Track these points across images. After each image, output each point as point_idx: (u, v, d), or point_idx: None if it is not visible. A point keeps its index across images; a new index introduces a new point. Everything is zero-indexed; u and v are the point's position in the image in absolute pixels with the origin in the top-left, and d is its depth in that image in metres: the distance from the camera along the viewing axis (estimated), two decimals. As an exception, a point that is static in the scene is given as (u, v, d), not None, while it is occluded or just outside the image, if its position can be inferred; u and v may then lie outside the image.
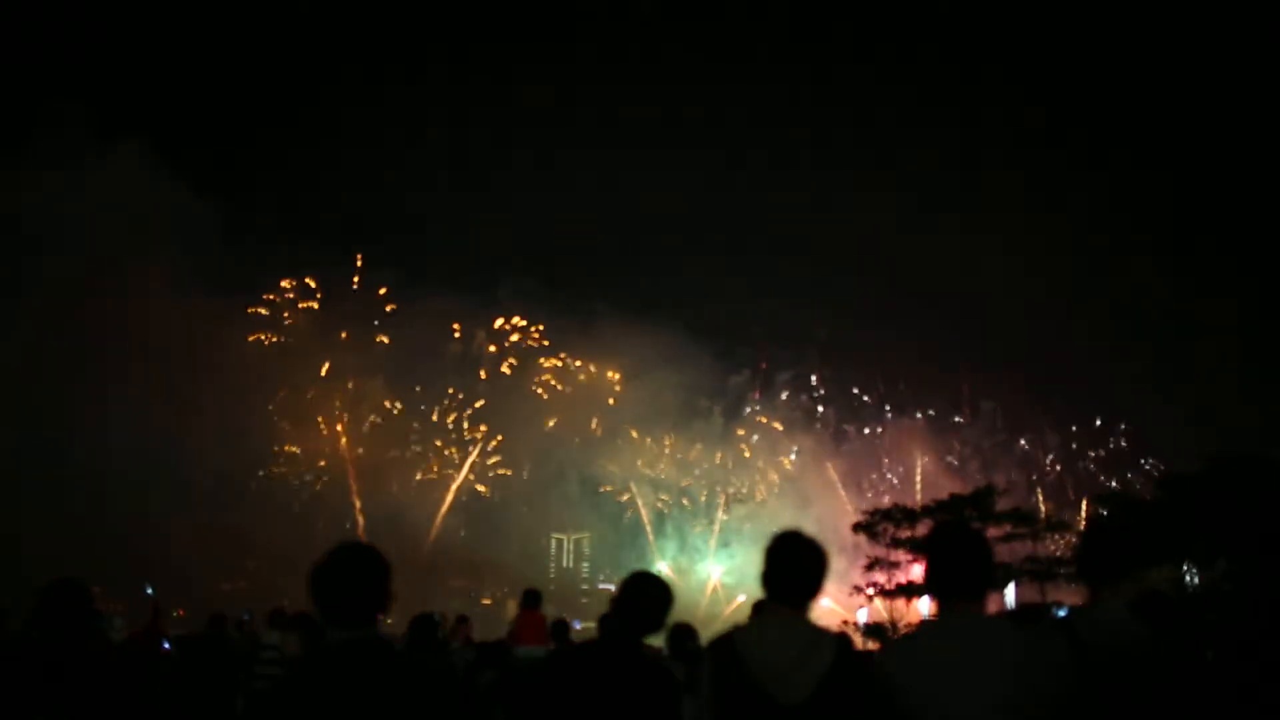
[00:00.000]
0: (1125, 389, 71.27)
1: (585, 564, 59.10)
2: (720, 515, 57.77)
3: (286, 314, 55.31)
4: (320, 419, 55.20)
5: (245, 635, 13.27)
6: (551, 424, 57.92)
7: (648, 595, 3.60)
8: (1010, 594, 34.65)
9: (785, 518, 48.15)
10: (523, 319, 58.42)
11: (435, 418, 57.19)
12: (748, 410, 62.49)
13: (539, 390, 58.61)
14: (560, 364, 58.92)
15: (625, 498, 58.68)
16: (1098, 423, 64.97)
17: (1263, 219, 74.91)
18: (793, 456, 60.90)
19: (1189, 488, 23.29)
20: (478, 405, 57.59)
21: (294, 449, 55.01)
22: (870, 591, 32.02)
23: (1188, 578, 24.12)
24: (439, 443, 57.17)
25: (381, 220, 77.82)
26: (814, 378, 64.84)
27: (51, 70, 60.73)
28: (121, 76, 66.95)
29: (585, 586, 56.69)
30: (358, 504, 53.94)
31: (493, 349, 58.51)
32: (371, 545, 3.04)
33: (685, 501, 58.25)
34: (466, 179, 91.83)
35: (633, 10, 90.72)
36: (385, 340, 55.78)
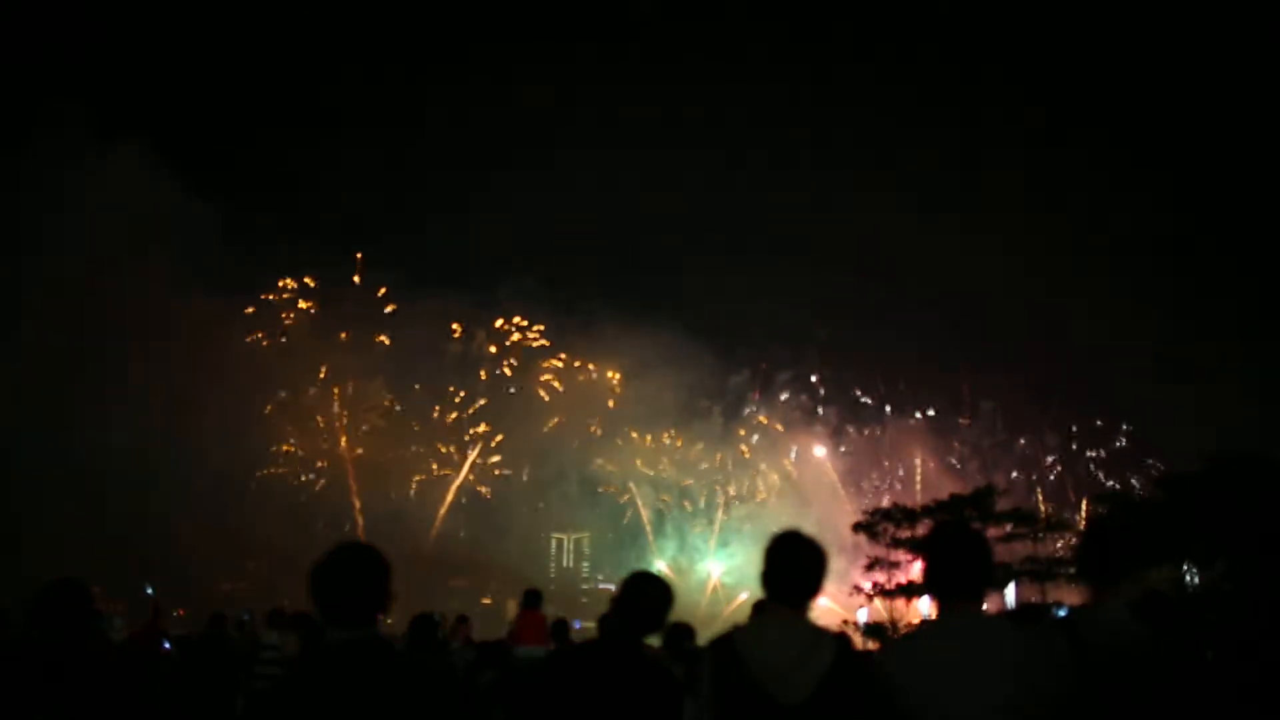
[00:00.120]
0: (1125, 389, 71.30)
1: (585, 564, 59.11)
2: (719, 516, 57.80)
3: (284, 315, 55.36)
4: (319, 419, 55.25)
5: (245, 635, 13.29)
6: (552, 424, 57.97)
7: (648, 595, 3.60)
8: (1010, 594, 34.66)
9: (785, 518, 48.17)
10: (523, 319, 58.48)
11: (436, 413, 57.24)
12: (747, 411, 62.55)
13: (539, 391, 58.67)
14: (560, 365, 58.98)
15: (625, 498, 58.74)
16: (1098, 423, 65.02)
17: (1263, 219, 74.91)
18: (792, 457, 60.94)
19: (1189, 488, 23.27)
20: (479, 404, 57.66)
21: (294, 449, 55.06)
22: (870, 590, 32.01)
23: (1188, 578, 24.12)
24: (437, 442, 57.23)
25: (381, 220, 77.88)
26: (814, 378, 64.90)
27: (51, 70, 60.75)
28: (121, 77, 66.96)
29: (585, 586, 56.68)
30: (357, 504, 53.98)
31: (493, 349, 58.57)
32: (371, 545, 3.04)
33: (686, 504, 58.28)
34: (466, 179, 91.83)
35: (633, 10, 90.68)
36: (385, 340, 55.83)
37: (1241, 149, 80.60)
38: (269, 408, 54.19)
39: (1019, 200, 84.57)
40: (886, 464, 62.24)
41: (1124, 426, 64.21)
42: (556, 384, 58.93)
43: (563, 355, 58.89)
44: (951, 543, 3.23)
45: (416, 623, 8.75)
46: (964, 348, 67.85)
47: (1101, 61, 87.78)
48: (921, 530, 29.14)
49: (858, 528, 32.32)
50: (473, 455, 57.04)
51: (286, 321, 55.35)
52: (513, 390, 58.36)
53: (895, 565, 31.35)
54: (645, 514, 58.35)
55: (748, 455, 60.19)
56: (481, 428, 57.47)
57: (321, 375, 55.22)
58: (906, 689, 2.97)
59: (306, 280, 55.32)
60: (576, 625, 18.36)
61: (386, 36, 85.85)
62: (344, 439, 55.27)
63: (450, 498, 56.29)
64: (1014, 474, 60.36)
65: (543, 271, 61.69)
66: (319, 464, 55.01)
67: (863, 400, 65.46)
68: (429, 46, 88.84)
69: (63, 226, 43.42)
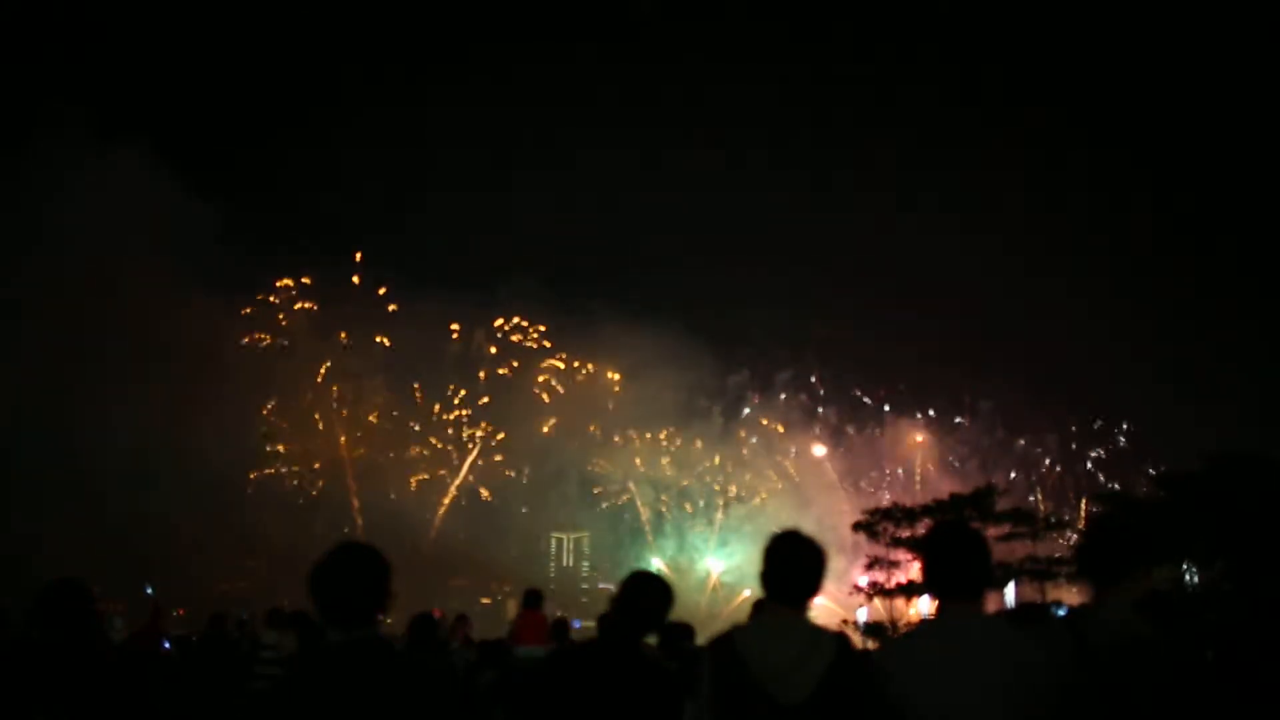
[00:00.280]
0: (1125, 389, 71.35)
1: (585, 564, 59.09)
2: (719, 516, 57.77)
3: (282, 317, 55.34)
4: (318, 417, 55.24)
5: (245, 635, 13.29)
6: (551, 424, 57.96)
7: (648, 595, 3.61)
8: (1010, 594, 34.65)
9: (785, 517, 48.16)
10: (523, 319, 58.45)
11: (436, 410, 57.22)
12: (746, 411, 62.54)
13: (539, 392, 58.65)
14: (561, 366, 58.96)
15: (625, 499, 58.72)
16: (1098, 423, 65.03)
17: (1263, 218, 74.93)
18: (792, 456, 60.93)
19: (1189, 488, 23.26)
20: (480, 403, 57.65)
21: (294, 449, 55.05)
22: (869, 589, 31.99)
23: (1188, 578, 24.11)
24: (436, 441, 57.20)
25: (382, 220, 77.92)
26: (814, 378, 64.90)
27: (51, 71, 60.73)
28: (122, 77, 66.97)
29: (585, 586, 56.67)
30: (356, 504, 53.97)
31: (493, 350, 58.56)
32: (371, 545, 3.03)
33: (687, 507, 58.25)
34: (466, 179, 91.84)
35: (633, 10, 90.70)
36: (385, 341, 55.81)
37: (1242, 149, 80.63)
38: (268, 408, 54.22)
39: (1019, 200, 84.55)
40: (886, 464, 62.29)
41: (1124, 427, 64.28)
42: (557, 385, 58.97)
43: (562, 356, 58.93)
44: (950, 542, 3.24)
45: (416, 623, 8.75)
46: (964, 348, 67.87)
47: (1102, 62, 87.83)
48: (921, 530, 29.11)
49: (857, 527, 32.29)
50: (472, 455, 57.07)
51: (284, 323, 55.37)
52: (512, 391, 58.39)
53: (895, 565, 31.33)
54: (645, 514, 58.37)
55: (747, 455, 60.20)
56: (482, 426, 57.50)
57: (321, 376, 55.24)
58: (906, 688, 2.98)
59: (305, 280, 55.36)
60: (576, 625, 18.37)
61: (386, 36, 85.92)
62: (344, 439, 55.29)
63: (450, 498, 56.33)
64: (1013, 474, 60.39)
65: (543, 271, 61.77)
66: (316, 465, 55.02)
67: (863, 400, 65.52)
68: (429, 46, 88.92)
69: (63, 226, 43.40)
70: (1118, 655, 3.03)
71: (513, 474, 57.61)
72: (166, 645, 13.84)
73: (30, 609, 3.95)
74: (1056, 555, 32.01)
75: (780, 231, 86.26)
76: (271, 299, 54.99)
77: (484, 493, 56.62)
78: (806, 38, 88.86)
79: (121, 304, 43.84)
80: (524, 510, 57.46)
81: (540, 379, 58.86)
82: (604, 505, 58.69)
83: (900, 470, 62.22)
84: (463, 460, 57.09)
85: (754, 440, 61.16)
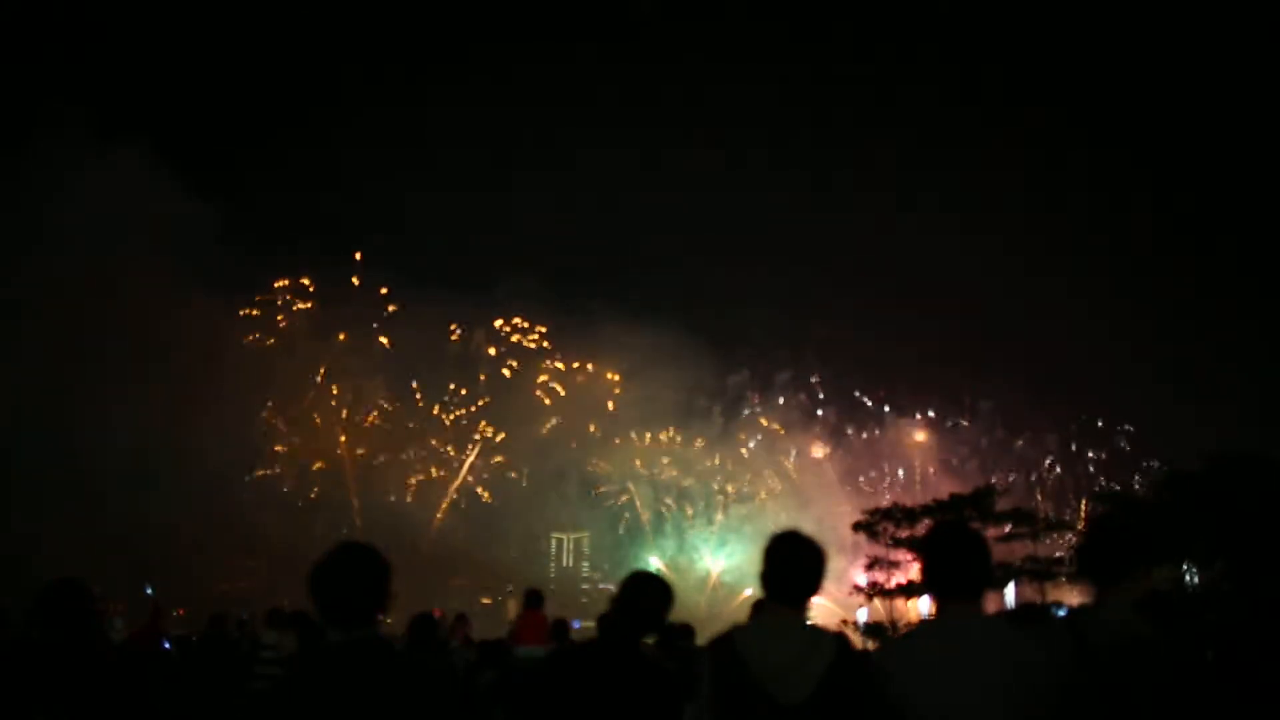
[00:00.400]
0: (1125, 389, 71.35)
1: (585, 564, 59.10)
2: (718, 517, 57.78)
3: (280, 318, 55.35)
4: (317, 417, 55.25)
5: (245, 635, 13.28)
6: (551, 425, 57.97)
7: (648, 595, 3.61)
8: (1010, 594, 34.67)
9: (785, 517, 48.19)
10: (523, 319, 58.45)
11: (436, 411, 57.25)
12: (746, 412, 62.55)
13: (539, 393, 58.66)
14: (560, 367, 58.97)
15: (625, 499, 58.74)
16: (1099, 424, 65.07)
17: (1263, 218, 74.94)
18: (792, 457, 60.94)
19: (1189, 488, 23.27)
20: (481, 404, 57.65)
21: (294, 449, 55.06)
22: (869, 590, 32.00)
23: (1188, 578, 24.11)
24: (436, 441, 57.21)
25: (382, 220, 77.89)
26: (813, 379, 64.91)
27: (52, 71, 60.73)
28: (122, 77, 66.95)
29: (585, 586, 56.68)
30: (356, 504, 53.98)
31: (493, 351, 58.57)
32: (371, 545, 3.03)
33: (688, 509, 58.26)
34: (466, 179, 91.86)
35: (633, 10, 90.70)
36: (385, 342, 55.83)
37: (1242, 149, 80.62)
38: (268, 408, 54.23)
39: (1019, 200, 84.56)
40: (886, 464, 62.32)
41: (1124, 428, 64.30)
42: (557, 386, 58.97)
43: (560, 356, 58.95)
44: (950, 543, 3.24)
45: (416, 623, 8.74)
46: (964, 347, 67.87)
47: (1102, 62, 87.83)
48: (921, 530, 29.11)
49: (857, 527, 32.30)
50: (472, 455, 57.08)
51: (282, 325, 55.37)
52: (512, 391, 58.39)
53: (895, 565, 31.34)
54: (645, 514, 58.37)
55: (747, 457, 60.21)
56: (482, 426, 57.51)
57: (320, 376, 55.25)
58: (905, 688, 2.98)
59: (304, 281, 55.37)
60: (576, 625, 18.35)
61: (386, 36, 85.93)
62: (343, 439, 55.30)
63: (450, 498, 56.35)
64: (1012, 476, 60.38)
65: (543, 271, 61.74)
66: (316, 465, 55.03)
67: (863, 401, 65.54)
68: (429, 46, 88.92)
69: (63, 226, 43.42)
70: (1118, 655, 3.03)
71: (515, 475, 57.66)
72: (166, 645, 13.83)
73: (30, 609, 3.95)
74: (1056, 555, 32.04)
75: (780, 231, 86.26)
76: (274, 299, 55.07)
77: (484, 495, 56.64)
78: (806, 38, 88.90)
79: (121, 304, 43.86)
80: (524, 510, 57.48)
81: (540, 379, 58.91)
82: (605, 505, 58.78)
83: (900, 470, 62.27)
84: (462, 461, 57.14)
85: (754, 441, 61.21)
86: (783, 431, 61.77)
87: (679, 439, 58.55)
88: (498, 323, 58.30)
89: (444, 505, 55.97)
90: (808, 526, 3.63)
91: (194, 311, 46.80)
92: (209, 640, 12.23)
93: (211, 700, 10.70)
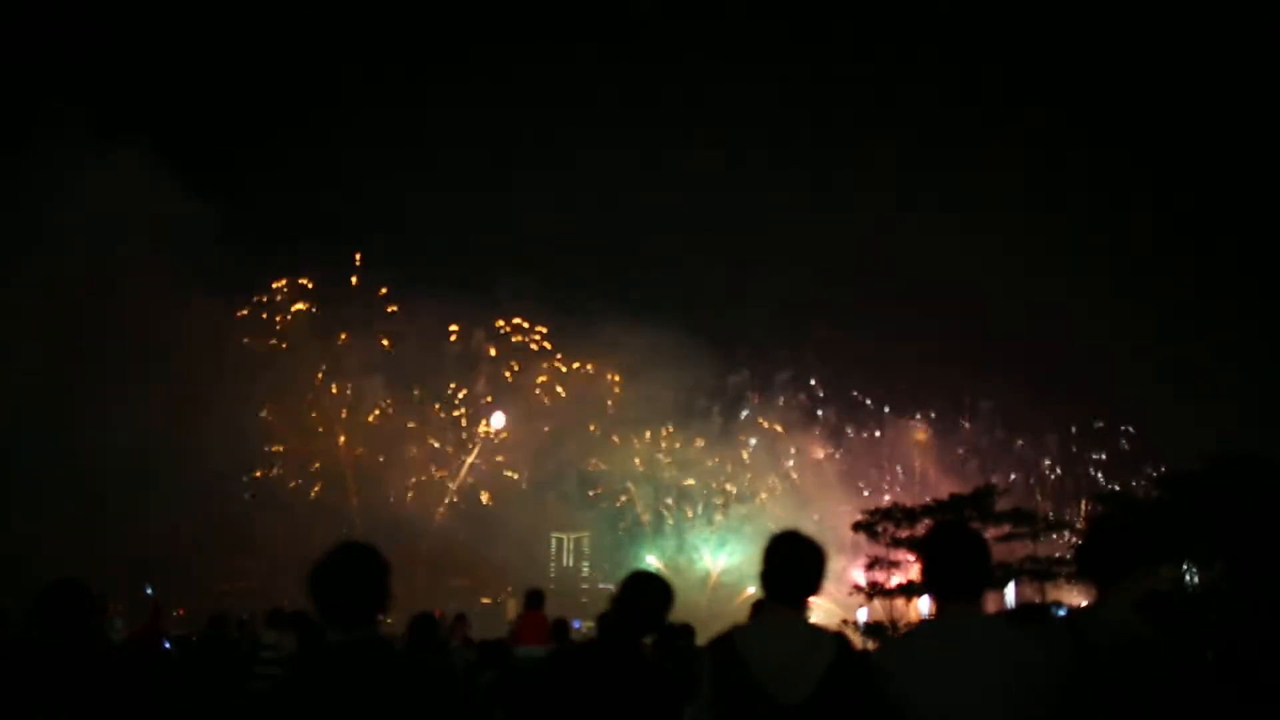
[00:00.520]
0: (1125, 389, 71.39)
1: (585, 564, 59.09)
2: (718, 517, 57.78)
3: (279, 319, 55.34)
4: (315, 415, 55.24)
5: (245, 635, 13.28)
6: (552, 425, 57.96)
7: (647, 595, 3.61)
8: (1010, 594, 34.67)
9: (785, 518, 48.16)
10: (523, 320, 58.47)
11: (436, 410, 57.25)
12: (746, 412, 62.55)
13: (539, 394, 58.68)
14: (563, 370, 58.97)
15: (624, 500, 58.74)
16: (1099, 424, 65.06)
17: (1263, 218, 74.94)
18: (792, 457, 60.93)
19: (1189, 488, 23.28)
20: (480, 405, 57.68)
21: (294, 449, 55.04)
22: (869, 590, 31.99)
23: (1188, 578, 24.11)
24: (435, 442, 57.23)
25: (381, 220, 77.86)
26: (813, 379, 64.92)
27: (52, 71, 60.73)
28: (122, 77, 66.96)
29: (585, 586, 56.67)
30: (356, 504, 53.96)
31: (493, 353, 58.57)
32: (371, 545, 3.03)
33: (688, 511, 58.25)
34: (467, 179, 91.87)
35: (633, 10, 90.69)
36: (385, 343, 55.83)
37: (1242, 149, 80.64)
38: (268, 408, 54.19)
39: (1019, 200, 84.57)
40: (886, 465, 62.34)
41: (1125, 428, 64.33)
42: (558, 387, 58.97)
43: (560, 357, 58.95)
44: (950, 542, 3.24)
45: (416, 623, 8.75)
46: (964, 347, 67.89)
47: (1102, 61, 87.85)
48: (921, 530, 29.11)
49: (857, 527, 32.31)
50: (472, 456, 57.10)
51: (279, 325, 55.36)
52: (512, 392, 58.41)
53: (895, 565, 31.34)
54: (644, 515, 58.37)
55: (747, 459, 60.22)
56: (482, 427, 57.53)
57: (320, 377, 55.25)
58: (906, 688, 2.98)
59: (303, 281, 55.37)
60: (576, 625, 18.36)
61: (386, 36, 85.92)
62: (343, 439, 55.30)
63: (450, 498, 56.36)
64: (1012, 476, 60.39)
65: (543, 271, 61.73)
66: (315, 466, 55.03)
67: (863, 401, 65.55)
68: (429, 46, 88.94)
69: (62, 226, 43.41)
70: (1118, 655, 3.03)
71: (515, 476, 57.65)
72: (166, 645, 13.83)
73: (30, 609, 3.95)
74: (1056, 556, 32.04)
75: (780, 231, 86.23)
76: (275, 299, 55.08)
77: (485, 497, 56.66)
78: (806, 38, 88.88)
79: (121, 304, 43.84)
80: (523, 510, 57.47)
81: (540, 380, 58.92)
82: (605, 505, 58.78)
83: (900, 470, 62.27)
84: (462, 461, 57.16)
85: (754, 441, 61.21)
86: (783, 431, 61.79)
87: (679, 440, 58.55)
88: (498, 324, 58.35)
89: (444, 505, 56.00)
90: (808, 526, 3.63)
91: (194, 311, 46.80)
92: (209, 640, 12.23)
93: (211, 700, 10.71)
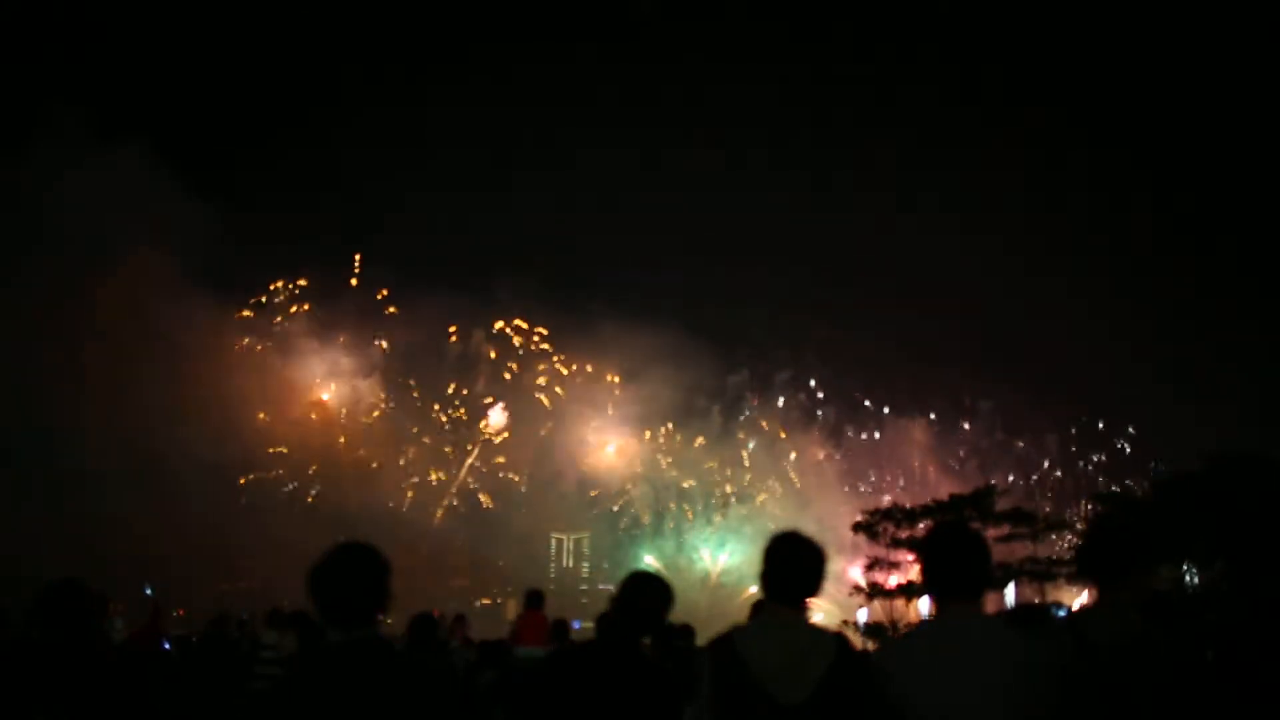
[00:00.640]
0: (1125, 389, 71.39)
1: (585, 564, 59.08)
2: (718, 517, 57.76)
3: (276, 320, 55.31)
4: (315, 416, 55.21)
5: (245, 635, 13.27)
6: (548, 427, 57.96)
7: (647, 595, 3.61)
8: (1010, 594, 34.64)
9: (785, 518, 48.16)
10: (523, 320, 58.47)
11: (435, 410, 57.24)
12: (745, 414, 62.53)
13: (539, 394, 58.66)
14: (563, 371, 58.95)
15: (624, 499, 58.72)
16: (1099, 424, 65.08)
17: (1263, 218, 74.94)
18: (792, 458, 60.92)
19: (1189, 488, 23.27)
20: (483, 403, 57.66)
21: (292, 449, 55.01)
22: (869, 590, 31.97)
23: (1188, 578, 24.11)
24: (434, 442, 57.20)
25: (381, 220, 77.90)
26: (813, 380, 64.92)
27: (52, 71, 60.73)
28: (121, 77, 66.99)
29: (585, 587, 56.67)
30: (355, 504, 53.92)
31: (493, 354, 58.56)
32: (370, 545, 3.03)
33: (686, 509, 58.22)
34: (467, 179, 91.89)
35: (633, 10, 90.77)
36: (384, 344, 55.81)
37: (1242, 149, 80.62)
38: (267, 409, 54.19)
39: (1019, 200, 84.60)
40: (886, 465, 62.33)
41: (1125, 428, 64.34)
42: (558, 388, 58.95)
43: (559, 358, 58.92)
44: (950, 543, 3.24)
45: (416, 623, 8.74)
46: (964, 347, 67.93)
47: (1102, 62, 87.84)
48: (921, 530, 29.11)
49: (857, 528, 32.29)
50: (472, 456, 57.07)
51: (282, 324, 55.32)
52: (512, 392, 58.40)
53: (895, 565, 31.33)
54: (644, 516, 58.34)
55: (747, 461, 60.20)
56: (483, 426, 57.52)
57: (319, 377, 55.22)
58: (906, 688, 2.98)
59: (302, 282, 55.36)
60: (576, 625, 18.34)
61: (386, 36, 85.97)
62: (342, 440, 55.29)
63: (450, 499, 56.34)
64: (1011, 477, 60.41)
65: (543, 271, 61.77)
66: (314, 466, 55.00)
67: (863, 401, 65.54)
68: (429, 46, 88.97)
69: (62, 227, 43.41)
70: (1118, 655, 3.03)
71: (515, 477, 57.64)
72: (166, 645, 13.82)
73: (30, 609, 3.94)
74: (1056, 556, 32.03)
75: (780, 231, 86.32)
76: (274, 299, 55.05)
77: (484, 499, 56.64)
78: (806, 38, 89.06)
79: (122, 304, 43.86)
80: (523, 511, 57.49)
81: (540, 380, 58.90)
82: (605, 505, 58.78)
83: (900, 471, 62.27)
84: (462, 461, 57.14)
85: (754, 442, 61.20)
86: (783, 433, 61.79)
87: (679, 440, 58.55)
88: (498, 325, 58.34)
89: (444, 506, 55.99)
90: (808, 527, 3.63)
91: (194, 312, 46.82)
92: (209, 640, 12.22)
93: (211, 700, 10.70)
